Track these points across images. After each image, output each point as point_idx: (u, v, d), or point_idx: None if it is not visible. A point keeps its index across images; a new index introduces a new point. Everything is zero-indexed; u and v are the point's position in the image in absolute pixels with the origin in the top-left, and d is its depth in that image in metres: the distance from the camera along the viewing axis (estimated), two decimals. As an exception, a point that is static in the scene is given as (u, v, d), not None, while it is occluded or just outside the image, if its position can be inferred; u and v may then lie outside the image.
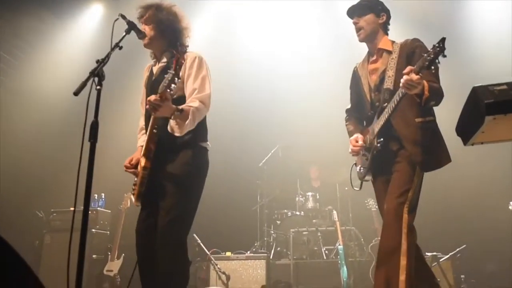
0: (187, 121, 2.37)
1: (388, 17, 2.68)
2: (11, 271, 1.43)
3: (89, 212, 5.74)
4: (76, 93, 1.93)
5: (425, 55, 2.10)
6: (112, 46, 2.22)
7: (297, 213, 6.06)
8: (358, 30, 2.63)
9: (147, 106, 2.31)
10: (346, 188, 6.04)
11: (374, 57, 2.65)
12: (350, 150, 2.71)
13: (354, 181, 2.85)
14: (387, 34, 2.67)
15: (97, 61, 2.10)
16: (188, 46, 2.69)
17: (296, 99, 6.90)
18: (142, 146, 2.61)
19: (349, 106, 2.92)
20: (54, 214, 5.58)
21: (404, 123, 2.41)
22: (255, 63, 6.68)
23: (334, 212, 5.58)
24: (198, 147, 2.55)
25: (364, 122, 2.80)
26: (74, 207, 2.15)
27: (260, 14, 7.19)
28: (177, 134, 2.40)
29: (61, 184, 6.20)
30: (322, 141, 6.36)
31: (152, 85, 2.61)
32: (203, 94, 2.48)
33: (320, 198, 6.24)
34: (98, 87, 2.04)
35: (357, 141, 2.67)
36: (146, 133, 2.64)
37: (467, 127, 1.97)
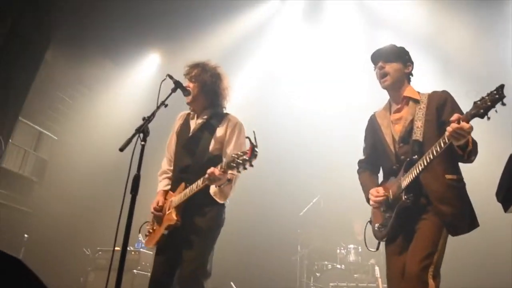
0: (230, 191, 2.57)
1: (413, 68, 2.58)
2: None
3: (132, 252, 5.90)
4: (121, 149, 2.09)
5: (479, 101, 1.92)
6: (158, 104, 2.38)
7: (338, 266, 5.87)
8: (383, 75, 2.52)
9: (207, 176, 2.42)
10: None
11: (399, 106, 2.52)
12: (371, 202, 2.49)
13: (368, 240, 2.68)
14: (410, 84, 2.56)
15: (143, 118, 2.27)
16: (226, 107, 2.85)
17: (341, 150, 6.89)
18: (164, 190, 2.77)
19: (362, 157, 2.77)
20: (100, 253, 5.78)
21: (432, 178, 2.23)
22: (297, 116, 6.80)
23: (377, 267, 5.38)
24: (221, 205, 2.67)
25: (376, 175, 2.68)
26: (113, 249, 2.31)
27: (300, 67, 7.41)
28: (220, 201, 2.57)
29: (108, 223, 6.49)
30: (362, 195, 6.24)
31: (188, 139, 2.76)
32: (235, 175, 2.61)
33: (362, 252, 6.03)
34: (142, 142, 2.19)
35: (378, 192, 2.46)
36: (170, 177, 2.82)
37: (509, 195, 1.91)
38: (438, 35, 6.55)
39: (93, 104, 7.43)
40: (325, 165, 6.78)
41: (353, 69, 6.92)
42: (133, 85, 7.94)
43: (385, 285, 5.15)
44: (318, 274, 5.93)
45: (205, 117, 2.79)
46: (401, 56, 2.54)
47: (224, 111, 2.84)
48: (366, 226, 2.63)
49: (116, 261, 5.72)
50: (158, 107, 2.39)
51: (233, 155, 2.28)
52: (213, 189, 2.56)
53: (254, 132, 2.19)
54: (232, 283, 5.25)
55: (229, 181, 2.51)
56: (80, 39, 7.17)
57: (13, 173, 6.61)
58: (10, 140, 5.97)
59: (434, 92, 2.44)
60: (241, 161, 2.22)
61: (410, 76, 2.57)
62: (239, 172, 2.29)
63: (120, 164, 7.30)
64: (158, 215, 2.67)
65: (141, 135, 2.20)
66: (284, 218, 6.57)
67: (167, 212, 2.62)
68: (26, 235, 6.12)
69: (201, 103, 2.79)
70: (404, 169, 2.34)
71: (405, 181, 2.29)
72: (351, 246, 6.05)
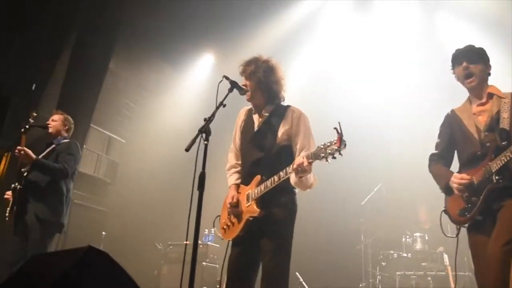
0: (308, 182, 2.61)
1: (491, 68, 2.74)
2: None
3: (200, 246, 6.19)
4: (187, 149, 2.24)
5: None
6: (217, 104, 2.51)
7: (404, 254, 5.77)
8: (469, 76, 2.67)
9: (295, 167, 2.46)
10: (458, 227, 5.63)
11: (483, 101, 2.67)
12: (455, 186, 2.52)
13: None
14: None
15: (205, 119, 2.41)
16: (284, 98, 2.90)
17: (401, 138, 6.76)
18: (236, 184, 2.85)
19: (435, 152, 2.86)
20: (171, 247, 6.14)
21: None
22: (355, 104, 6.72)
23: (445, 255, 5.23)
24: (294, 193, 2.74)
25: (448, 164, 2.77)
26: (186, 243, 2.49)
27: (356, 57, 7.33)
28: (302, 190, 2.65)
29: (176, 219, 6.85)
30: (429, 181, 6.06)
31: (255, 134, 2.84)
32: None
33: (429, 240, 5.87)
34: (205, 142, 2.33)
35: (462, 177, 2.52)
36: (239, 171, 2.90)
37: None
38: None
39: (155, 107, 7.84)
40: (386, 153, 6.66)
41: (410, 57, 6.76)
42: (190, 85, 8.26)
43: (454, 273, 5.04)
44: (383, 263, 5.88)
45: (268, 111, 2.86)
46: (483, 57, 2.71)
47: (285, 103, 2.89)
48: (441, 215, 2.71)
49: (188, 254, 6.05)
50: (217, 108, 2.51)
51: (321, 145, 2.34)
52: (293, 179, 2.59)
53: (339, 123, 2.24)
54: (297, 273, 5.35)
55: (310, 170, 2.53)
56: (138, 46, 7.59)
57: (88, 176, 7.18)
58: (84, 146, 6.48)
59: None
60: (330, 151, 2.28)
61: (489, 75, 2.74)
62: (327, 161, 2.32)
63: (185, 162, 7.65)
64: (235, 210, 2.74)
65: (204, 135, 2.34)
66: (346, 208, 6.56)
67: (246, 205, 2.68)
68: (104, 232, 6.63)
69: (260, 99, 2.85)
70: (492, 154, 2.44)
71: (496, 164, 2.38)
72: (417, 234, 5.91)
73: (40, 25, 6.01)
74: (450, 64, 2.80)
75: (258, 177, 2.67)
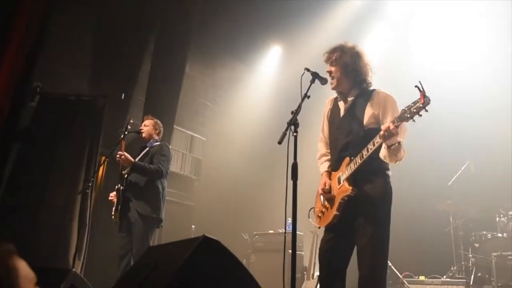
0: (402, 153, 2.58)
1: None
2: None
3: (285, 234, 6.33)
4: (279, 142, 2.38)
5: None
6: (302, 96, 2.62)
7: (499, 235, 5.48)
8: None
9: (383, 132, 2.44)
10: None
11: None
12: None
13: None
14: None
15: (292, 112, 2.52)
16: (371, 84, 2.89)
17: (487, 109, 6.39)
18: (327, 171, 2.91)
19: None
20: (257, 237, 6.37)
21: None
22: (440, 82, 6.46)
23: (547, 233, 4.90)
24: (387, 175, 2.74)
25: None
26: (285, 232, 2.65)
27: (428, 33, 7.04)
28: (392, 162, 2.62)
29: (261, 211, 7.14)
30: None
31: (341, 120, 2.88)
32: (403, 133, 2.62)
33: (527, 218, 5.53)
34: (294, 134, 2.45)
35: None
36: (329, 159, 2.94)
37: None
38: None
39: (231, 104, 8.16)
40: (472, 128, 6.33)
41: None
42: (261, 79, 8.45)
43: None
44: (476, 245, 5.63)
45: (353, 96, 2.87)
46: None
47: (371, 87, 2.89)
48: None
49: (274, 243, 6.25)
50: (302, 100, 2.61)
51: (405, 107, 2.35)
52: (383, 152, 2.58)
53: (420, 82, 2.25)
54: (385, 258, 5.30)
55: (399, 144, 2.53)
56: (210, 47, 7.92)
57: (175, 173, 7.67)
58: (170, 146, 6.94)
59: None
60: (415, 110, 2.29)
61: None
62: (413, 121, 2.32)
63: (264, 155, 7.90)
64: (327, 196, 2.79)
65: (293, 127, 2.46)
66: (432, 189, 6.35)
67: (338, 187, 2.71)
68: (193, 226, 7.07)
69: (346, 84, 2.87)
70: None
71: None
72: (512, 212, 5.59)
73: (122, 36, 6.53)
74: None
75: (347, 159, 2.70)
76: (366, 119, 2.74)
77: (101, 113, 5.50)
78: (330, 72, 2.86)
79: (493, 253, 5.09)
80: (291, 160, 2.43)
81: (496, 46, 6.60)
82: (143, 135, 4.62)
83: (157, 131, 4.72)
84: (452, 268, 5.70)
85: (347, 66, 2.83)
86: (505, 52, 6.49)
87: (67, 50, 5.99)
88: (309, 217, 2.96)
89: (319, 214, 2.88)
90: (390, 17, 7.66)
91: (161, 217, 4.36)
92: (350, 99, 2.88)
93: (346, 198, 2.64)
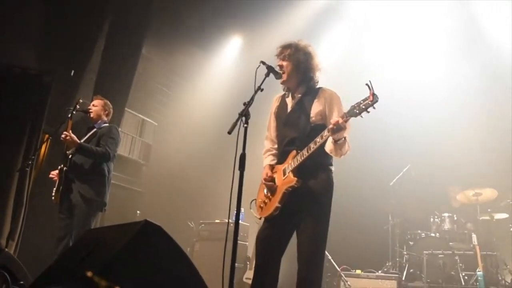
0: (346, 148, 2.68)
1: None
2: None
3: (230, 224, 6.42)
4: (229, 132, 2.39)
5: None
6: (255, 89, 2.64)
7: (432, 234, 5.83)
8: None
9: (331, 126, 2.52)
10: (489, 210, 5.67)
11: None
12: None
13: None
14: None
15: (244, 103, 2.54)
16: (318, 81, 3.00)
17: (430, 116, 6.76)
18: (270, 164, 2.98)
19: None
20: (203, 225, 6.38)
21: None
22: (385, 85, 6.73)
23: (474, 235, 5.28)
24: (330, 170, 2.84)
25: None
26: (228, 221, 2.68)
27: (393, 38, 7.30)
28: (337, 156, 2.71)
29: (208, 200, 7.14)
30: (459, 161, 6.11)
31: (288, 115, 2.96)
32: (348, 129, 2.68)
33: (458, 220, 5.92)
34: (245, 125, 2.47)
35: None
36: (275, 154, 3.02)
37: None
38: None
39: (185, 91, 8.05)
40: (416, 132, 6.68)
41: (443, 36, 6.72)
42: (219, 69, 8.40)
43: (484, 253, 5.10)
44: (411, 243, 5.96)
45: (301, 93, 2.97)
46: None
47: (317, 86, 2.99)
48: None
49: (219, 232, 6.28)
50: (255, 92, 2.64)
51: (354, 104, 2.45)
52: (329, 146, 2.67)
53: (370, 81, 2.37)
54: (326, 252, 5.49)
55: (344, 138, 2.63)
56: (169, 31, 7.75)
57: (124, 157, 7.48)
58: (119, 129, 6.76)
59: None
60: (364, 106, 2.40)
61: None
62: (361, 117, 2.44)
63: (215, 145, 7.89)
64: (270, 185, 2.84)
65: (244, 118, 2.48)
66: (374, 188, 6.63)
67: (283, 178, 2.78)
68: (138, 212, 6.95)
69: (295, 80, 2.96)
70: None
71: None
72: (446, 214, 5.96)
73: (76, 12, 6.24)
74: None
75: (294, 151, 2.78)
76: (312, 115, 2.84)
77: (47, 89, 5.27)
78: (281, 66, 2.93)
79: (425, 251, 5.40)
80: (240, 151, 2.46)
81: (440, 56, 6.96)
82: (91, 115, 4.47)
83: (106, 112, 4.58)
84: (387, 264, 6.00)
85: (299, 63, 2.92)
86: (447, 64, 6.88)
87: (16, 21, 5.64)
88: (250, 208, 3.01)
89: (261, 205, 2.93)
90: (350, 17, 7.85)
91: (105, 201, 4.26)
92: (297, 95, 2.98)
93: (290, 189, 2.71)
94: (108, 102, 4.63)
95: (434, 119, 6.66)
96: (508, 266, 5.22)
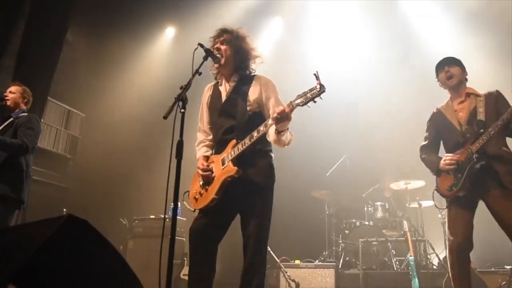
0: (289, 137, 2.63)
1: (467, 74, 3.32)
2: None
3: (167, 220, 6.15)
4: (165, 117, 2.20)
5: None
6: (193, 72, 2.48)
7: (366, 223, 6.03)
8: (450, 77, 3.25)
9: (276, 115, 2.43)
10: (417, 198, 5.95)
11: (462, 98, 3.24)
12: (445, 165, 3.10)
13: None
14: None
15: (181, 87, 2.37)
16: (254, 70, 2.93)
17: (365, 110, 6.96)
18: (205, 156, 2.85)
19: (424, 143, 3.40)
20: (136, 222, 6.07)
21: (493, 147, 2.97)
22: (325, 73, 6.84)
23: (405, 222, 5.52)
24: (270, 156, 2.77)
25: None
26: (164, 216, 2.49)
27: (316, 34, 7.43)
28: (280, 146, 2.65)
29: (142, 195, 6.80)
30: (391, 153, 6.37)
31: (224, 104, 2.83)
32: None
33: (389, 208, 6.17)
34: (182, 110, 2.30)
35: (451, 157, 3.09)
36: (209, 145, 2.90)
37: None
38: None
39: (115, 80, 7.58)
40: (351, 125, 6.86)
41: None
42: (151, 58, 8.05)
43: (414, 239, 5.35)
44: (346, 232, 6.12)
45: (235, 79, 2.87)
46: (460, 63, 3.31)
47: (253, 73, 2.92)
48: (433, 193, 3.23)
49: (154, 228, 6.00)
50: (193, 76, 2.47)
51: (300, 93, 2.38)
52: (272, 136, 2.59)
53: (317, 71, 2.34)
54: (264, 243, 5.46)
55: (287, 128, 2.57)
56: (98, 17, 7.26)
57: (47, 151, 6.90)
58: (42, 120, 6.21)
59: (490, 92, 3.19)
60: (311, 96, 2.34)
61: (466, 80, 3.31)
62: (309, 106, 2.38)
63: (145, 135, 7.52)
64: (207, 175, 2.70)
65: (181, 103, 2.30)
66: (310, 178, 6.72)
67: (221, 167, 2.64)
68: (64, 209, 6.44)
69: (231, 66, 2.86)
70: (472, 139, 3.02)
71: (475, 146, 2.99)
72: (378, 203, 6.19)
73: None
74: (435, 72, 3.38)
75: (234, 141, 2.67)
76: (249, 103, 2.76)
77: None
78: (218, 49, 2.83)
79: (360, 239, 5.56)
80: (177, 138, 2.27)
81: (374, 51, 7.21)
82: (8, 103, 4.02)
83: (25, 100, 4.15)
84: (324, 253, 6.11)
85: (238, 49, 2.85)
86: (380, 58, 7.15)
87: None
88: (183, 200, 2.84)
89: (196, 196, 2.78)
90: (286, 11, 7.88)
91: (23, 197, 3.83)
92: (231, 84, 2.88)
93: (229, 179, 2.60)
94: (28, 89, 4.20)
95: (369, 112, 6.88)
96: (435, 251, 5.50)
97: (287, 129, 2.58)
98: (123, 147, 7.21)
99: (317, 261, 5.75)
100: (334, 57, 7.35)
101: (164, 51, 8.19)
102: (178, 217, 6.11)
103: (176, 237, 6.12)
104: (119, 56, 7.61)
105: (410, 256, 4.93)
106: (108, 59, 7.53)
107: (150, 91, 7.28)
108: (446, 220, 3.18)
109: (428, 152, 3.35)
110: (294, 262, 5.41)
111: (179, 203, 6.48)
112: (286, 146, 2.66)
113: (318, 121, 6.67)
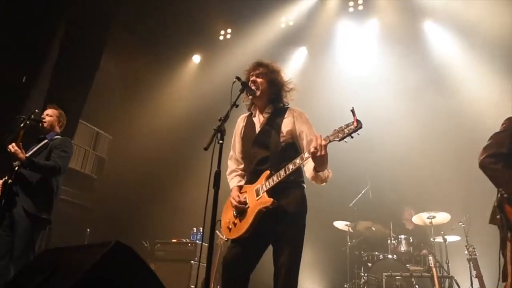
0: (325, 174, 2.64)
1: None
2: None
3: (189, 244, 6.15)
4: (206, 148, 2.26)
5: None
6: (231, 104, 2.55)
7: (390, 256, 5.90)
8: None
9: (314, 150, 2.44)
10: (442, 232, 5.82)
11: None
12: None
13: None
14: None
15: (220, 119, 2.44)
16: (288, 102, 3.00)
17: (389, 141, 6.94)
18: (238, 186, 2.89)
19: (502, 150, 2.84)
20: (158, 245, 6.09)
21: None
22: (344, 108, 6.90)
23: (430, 257, 5.38)
24: (303, 188, 2.80)
25: None
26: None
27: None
28: (318, 183, 2.66)
29: (164, 218, 6.86)
30: (414, 184, 6.30)
31: (258, 135, 2.89)
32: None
33: (413, 242, 6.04)
34: (220, 141, 2.36)
35: None
36: (241, 174, 2.95)
37: None
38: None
39: (143, 103, 7.78)
40: (374, 156, 6.82)
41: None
42: (178, 83, 8.25)
43: (440, 274, 5.21)
44: (369, 264, 5.99)
45: (269, 111, 2.94)
46: None
47: (286, 105, 2.99)
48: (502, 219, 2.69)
49: (176, 252, 5.99)
50: (231, 108, 2.55)
51: (337, 128, 2.43)
52: (310, 173, 2.63)
53: (353, 107, 2.38)
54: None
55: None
56: (127, 43, 7.53)
57: (75, 171, 7.06)
58: (72, 141, 6.38)
59: None
60: (348, 131, 2.39)
61: None
62: (345, 141, 2.41)
63: (172, 161, 7.60)
64: (241, 208, 2.73)
65: (219, 134, 2.37)
66: (333, 209, 6.66)
67: (256, 198, 2.68)
68: (88, 229, 6.53)
69: (266, 98, 2.93)
70: None
71: None
72: (402, 236, 6.06)
73: (30, 17, 5.89)
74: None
75: (267, 172, 2.70)
76: (282, 134, 2.81)
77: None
78: (254, 82, 2.90)
79: (384, 273, 5.44)
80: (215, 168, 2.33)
81: (403, 78, 7.21)
82: (45, 125, 4.19)
83: (60, 123, 4.32)
84: (345, 286, 5.98)
85: (273, 82, 2.93)
86: (411, 85, 7.12)
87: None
88: (220, 227, 2.87)
89: (230, 226, 2.81)
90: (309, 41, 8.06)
91: (50, 218, 3.94)
92: (265, 115, 2.95)
93: (264, 210, 2.62)
94: (63, 113, 4.37)
95: (393, 143, 6.84)
96: (461, 288, 5.35)
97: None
98: (148, 170, 7.33)
99: (338, 293, 5.64)
100: (359, 86, 7.39)
101: (190, 77, 8.40)
102: (198, 242, 6.15)
103: (197, 262, 6.09)
104: (148, 81, 7.84)
105: (436, 293, 4.80)
106: (137, 83, 7.76)
107: (177, 116, 7.43)
108: None
109: (508, 165, 2.73)
110: (316, 293, 5.33)
111: (200, 229, 6.48)
112: (324, 184, 2.68)
113: (341, 152, 6.67)
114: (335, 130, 2.46)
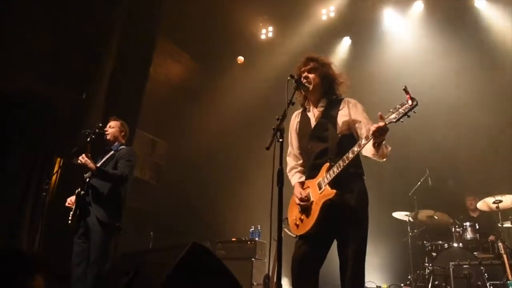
0: (385, 149, 2.62)
1: None
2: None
3: (248, 242, 6.24)
4: (268, 148, 2.32)
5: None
6: (287, 103, 2.59)
7: (455, 244, 5.70)
8: None
9: (373, 131, 2.45)
10: (511, 217, 5.56)
11: None
12: None
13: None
14: None
15: (277, 118, 2.48)
16: (341, 95, 3.00)
17: (445, 125, 6.71)
18: (300, 182, 2.91)
19: None
20: (219, 244, 6.27)
21: None
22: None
23: (500, 244, 5.15)
24: (363, 180, 2.80)
25: None
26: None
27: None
28: (380, 159, 2.65)
29: (224, 217, 7.04)
30: (475, 168, 6.05)
31: (314, 129, 2.92)
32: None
33: (479, 229, 5.79)
34: (280, 140, 2.41)
35: None
36: (301, 170, 2.98)
37: None
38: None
39: (196, 111, 8.01)
40: (432, 143, 6.61)
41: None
42: (226, 86, 8.38)
43: (511, 262, 4.97)
44: (434, 254, 5.82)
45: (323, 104, 2.96)
46: None
47: (340, 97, 2.99)
48: None
49: (236, 251, 6.13)
50: (287, 106, 2.59)
51: (392, 109, 2.41)
52: (371, 151, 2.61)
53: (406, 86, 2.36)
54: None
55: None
56: (174, 52, 7.77)
57: (135, 178, 7.38)
58: (132, 149, 6.71)
59: None
60: (403, 111, 2.37)
61: None
62: (402, 122, 2.39)
63: (227, 162, 7.77)
64: (305, 205, 2.77)
65: (278, 133, 2.42)
66: (392, 199, 6.53)
67: (319, 192, 2.71)
68: (151, 233, 6.82)
69: (319, 92, 2.96)
70: None
71: None
72: (467, 223, 5.84)
73: (81, 34, 6.21)
74: None
75: (327, 164, 2.73)
76: (339, 126, 2.82)
77: (61, 114, 5.22)
78: (306, 78, 2.92)
79: (451, 262, 5.26)
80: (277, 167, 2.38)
81: (464, 66, 6.92)
82: (108, 137, 4.41)
83: (123, 133, 4.53)
84: (409, 277, 5.86)
85: (325, 76, 2.94)
86: (473, 72, 6.83)
87: (24, 47, 5.61)
88: (288, 224, 2.94)
89: (297, 223, 2.85)
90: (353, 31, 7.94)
91: (121, 225, 4.17)
92: (319, 109, 2.96)
93: (328, 202, 2.65)
94: (125, 123, 4.59)
95: (450, 127, 6.60)
96: (535, 274, 5.06)
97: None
98: (204, 173, 7.57)
99: (402, 285, 5.53)
100: (412, 70, 7.18)
101: (237, 78, 8.49)
102: (259, 240, 6.25)
103: (258, 259, 6.17)
104: (196, 87, 8.05)
105: (508, 280, 4.59)
106: (185, 89, 8.00)
107: (228, 117, 7.60)
108: None
109: None
110: (381, 287, 5.25)
111: (258, 226, 6.55)
112: (384, 159, 2.66)
113: (401, 137, 6.53)
114: (390, 111, 2.45)
